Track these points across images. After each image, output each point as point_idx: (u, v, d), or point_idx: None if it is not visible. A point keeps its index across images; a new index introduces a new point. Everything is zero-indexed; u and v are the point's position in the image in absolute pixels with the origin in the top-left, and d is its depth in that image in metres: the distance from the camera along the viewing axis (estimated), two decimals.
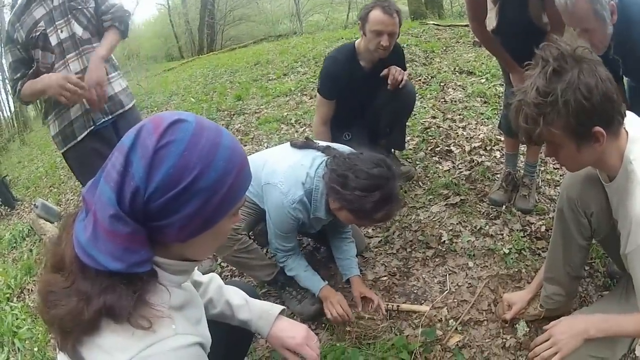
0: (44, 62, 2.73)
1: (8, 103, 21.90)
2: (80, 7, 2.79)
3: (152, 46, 32.18)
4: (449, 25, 9.19)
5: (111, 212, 0.94)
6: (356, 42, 3.43)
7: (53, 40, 2.72)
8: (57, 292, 0.98)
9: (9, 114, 22.08)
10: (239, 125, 6.08)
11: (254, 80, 8.25)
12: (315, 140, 2.62)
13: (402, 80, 3.30)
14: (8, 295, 3.91)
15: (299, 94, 6.64)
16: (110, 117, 2.84)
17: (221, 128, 1.07)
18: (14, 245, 5.22)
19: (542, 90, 1.48)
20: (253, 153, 2.96)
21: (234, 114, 6.58)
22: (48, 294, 1.00)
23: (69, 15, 2.75)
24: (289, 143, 2.64)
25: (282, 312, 1.70)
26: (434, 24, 9.57)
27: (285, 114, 5.88)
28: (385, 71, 3.33)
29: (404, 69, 3.48)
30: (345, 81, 3.33)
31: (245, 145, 5.18)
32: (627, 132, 1.62)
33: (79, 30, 2.77)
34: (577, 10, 2.14)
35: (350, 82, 3.35)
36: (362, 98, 3.45)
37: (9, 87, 3.01)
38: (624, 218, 1.62)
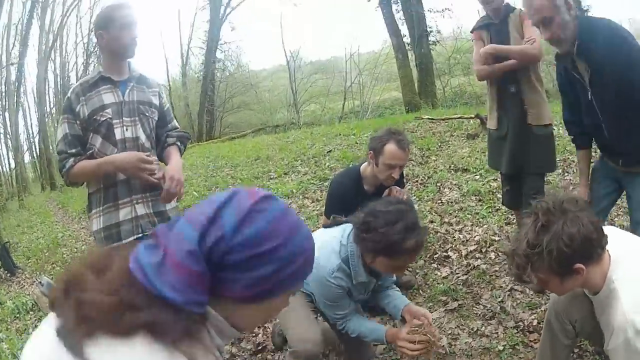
0: (103, 152, 2.72)
1: (8, 159, 22.00)
2: (147, 114, 2.85)
3: None
4: (442, 119, 9.56)
5: (189, 248, 0.98)
6: (361, 167, 3.59)
7: (117, 134, 2.73)
8: (88, 283, 1.00)
9: (8, 170, 22.13)
10: None
11: (255, 178, 8.45)
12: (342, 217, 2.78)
13: None
14: None
15: (301, 197, 6.81)
16: None
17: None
18: (17, 315, 5.25)
19: (531, 243, 1.77)
20: None
21: None
22: (77, 281, 1.01)
23: (137, 117, 2.80)
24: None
25: None
26: (428, 118, 9.96)
27: None
28: (386, 192, 3.50)
29: (403, 185, 3.71)
30: (349, 203, 3.38)
31: None
32: (609, 254, 1.86)
33: (142, 136, 2.80)
34: (536, 1, 2.60)
35: (354, 204, 3.49)
36: None
37: (57, 159, 2.91)
38: (606, 324, 1.85)
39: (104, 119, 2.71)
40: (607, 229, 1.88)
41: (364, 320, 2.70)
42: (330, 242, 2.52)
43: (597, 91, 2.67)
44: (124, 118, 2.75)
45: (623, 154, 2.80)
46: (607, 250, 1.84)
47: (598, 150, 3.05)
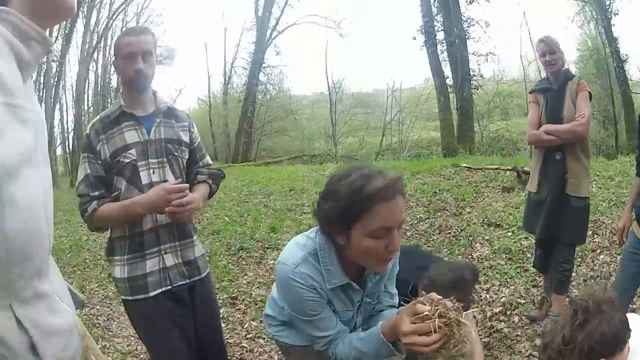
0: (128, 197, 2.46)
1: None
2: (176, 154, 2.61)
3: None
4: (479, 168, 9.49)
5: None
6: None
7: (144, 178, 2.49)
8: None
9: None
10: (272, 261, 6.19)
11: (289, 210, 8.48)
12: None
13: None
14: None
15: None
16: (188, 281, 2.61)
17: None
18: None
19: (566, 339, 1.80)
20: None
21: (267, 247, 6.76)
22: None
23: (165, 158, 2.55)
24: None
25: None
26: (465, 166, 9.87)
27: None
28: None
29: None
30: None
31: None
32: (629, 346, 1.88)
33: (171, 179, 2.55)
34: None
35: None
36: None
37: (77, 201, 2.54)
38: None
39: (128, 160, 2.47)
40: (631, 319, 1.92)
41: (356, 338, 2.00)
42: (296, 240, 2.08)
43: None
44: (149, 160, 2.52)
45: None
46: (628, 342, 1.90)
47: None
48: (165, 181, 2.52)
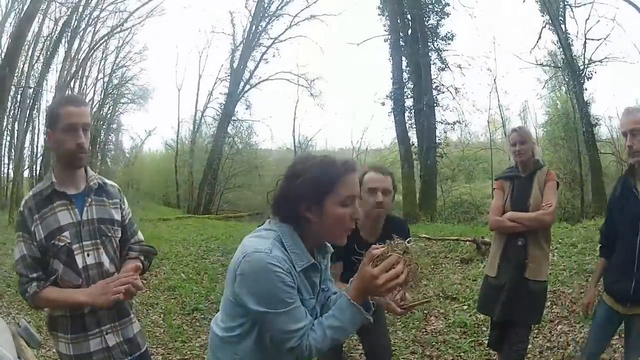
0: (67, 280, 2.41)
1: (8, 169, 21.53)
2: (109, 234, 2.52)
3: (153, 182, 32.77)
4: (439, 239, 9.62)
5: None
6: None
7: (79, 262, 2.41)
8: None
9: (5, 181, 21.52)
10: None
11: None
12: None
13: None
14: None
15: None
16: (130, 357, 2.58)
17: None
18: None
19: None
20: None
21: None
22: None
23: (98, 240, 2.48)
24: None
25: None
26: (425, 236, 10.00)
27: None
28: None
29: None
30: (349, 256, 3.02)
31: None
32: None
33: (106, 262, 2.49)
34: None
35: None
36: None
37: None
38: None
39: (63, 244, 2.38)
40: None
41: (325, 317, 1.99)
42: (251, 236, 2.05)
43: None
44: (83, 242, 2.43)
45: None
46: None
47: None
48: (100, 263, 2.46)
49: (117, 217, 2.60)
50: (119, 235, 2.60)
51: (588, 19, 17.82)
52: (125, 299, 2.42)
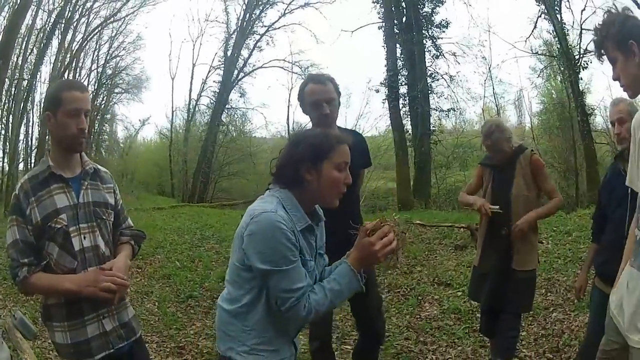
0: (62, 264, 2.41)
1: (2, 163, 21.39)
2: (104, 217, 2.55)
3: (147, 172, 32.63)
4: (433, 225, 9.67)
5: None
6: None
7: (75, 244, 2.42)
8: None
9: None
10: None
11: None
12: None
13: None
14: None
15: None
16: (126, 342, 2.59)
17: None
18: None
19: None
20: None
21: (216, 298, 6.48)
22: None
23: (94, 222, 2.50)
24: None
25: None
26: (419, 222, 10.04)
27: None
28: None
29: (369, 163, 3.69)
30: None
31: None
32: None
33: (101, 244, 2.52)
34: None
35: None
36: None
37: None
38: None
39: (60, 226, 2.39)
40: None
41: (324, 280, 2.17)
42: (256, 202, 2.20)
43: None
44: (80, 225, 2.45)
45: None
46: None
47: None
48: (97, 246, 2.49)
49: (111, 201, 2.64)
50: (112, 219, 2.64)
51: (584, 9, 17.72)
52: (112, 303, 2.45)
